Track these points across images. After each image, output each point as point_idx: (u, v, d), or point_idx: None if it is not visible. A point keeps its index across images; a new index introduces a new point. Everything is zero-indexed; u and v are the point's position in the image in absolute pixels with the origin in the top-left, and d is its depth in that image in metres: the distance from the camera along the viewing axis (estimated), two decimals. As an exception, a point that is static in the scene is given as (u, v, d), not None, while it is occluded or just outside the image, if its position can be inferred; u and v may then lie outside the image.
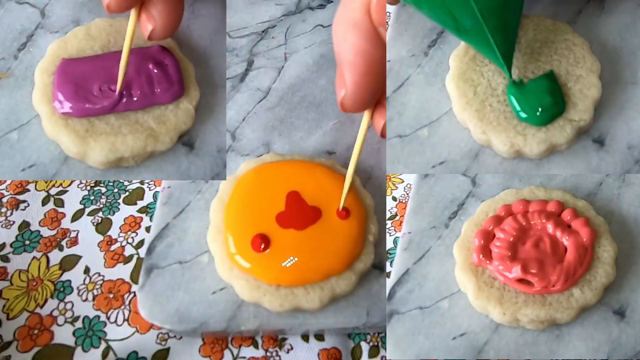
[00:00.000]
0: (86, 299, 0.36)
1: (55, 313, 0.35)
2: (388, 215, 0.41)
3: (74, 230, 0.39)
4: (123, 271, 0.37)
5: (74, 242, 0.38)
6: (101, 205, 0.40)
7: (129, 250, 0.38)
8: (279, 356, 0.35)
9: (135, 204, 0.41)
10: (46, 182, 0.41)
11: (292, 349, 0.35)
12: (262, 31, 0.43)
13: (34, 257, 0.37)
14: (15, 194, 0.40)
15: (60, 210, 0.40)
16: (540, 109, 0.33)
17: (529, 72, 0.34)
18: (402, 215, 0.40)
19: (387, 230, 0.39)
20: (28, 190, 0.41)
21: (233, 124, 0.39)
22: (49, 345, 0.34)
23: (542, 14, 0.36)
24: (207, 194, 0.36)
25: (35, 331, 0.35)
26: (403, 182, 0.43)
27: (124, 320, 0.35)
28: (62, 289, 0.36)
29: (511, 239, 0.33)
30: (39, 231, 0.39)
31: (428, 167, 0.34)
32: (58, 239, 0.38)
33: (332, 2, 0.45)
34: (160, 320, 0.32)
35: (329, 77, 0.41)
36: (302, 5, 0.45)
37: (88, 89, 0.33)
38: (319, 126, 0.39)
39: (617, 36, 0.37)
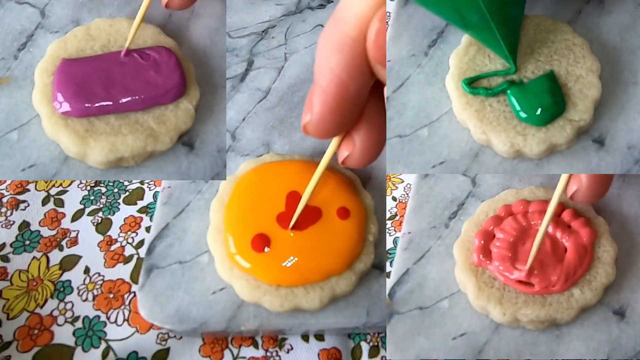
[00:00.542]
0: (86, 299, 0.36)
1: (55, 313, 0.35)
2: (388, 215, 0.41)
3: (74, 230, 0.39)
4: (123, 271, 0.37)
5: (74, 242, 0.38)
6: (101, 205, 0.40)
7: (129, 250, 0.38)
8: (279, 356, 0.35)
9: (135, 204, 0.41)
10: (46, 182, 0.41)
11: (292, 349, 0.35)
12: (262, 31, 0.43)
13: (34, 257, 0.37)
14: (15, 194, 0.40)
15: (60, 210, 0.40)
16: (540, 109, 0.33)
17: (529, 72, 0.34)
18: (402, 215, 0.40)
19: (387, 230, 0.39)
20: (28, 190, 0.41)
21: (233, 124, 0.39)
22: (49, 345, 0.34)
23: (542, 14, 0.36)
24: (207, 194, 0.36)
25: (35, 331, 0.35)
26: (403, 182, 0.43)
27: (124, 320, 0.35)
28: (62, 289, 0.36)
29: (511, 239, 0.33)
30: (39, 231, 0.39)
31: (428, 167, 0.34)
32: (58, 239, 0.38)
33: (332, 2, 0.45)
34: (160, 320, 0.32)
35: (329, 77, 0.41)
36: (302, 5, 0.45)
37: (88, 89, 0.33)
38: (319, 126, 0.39)
39: (617, 36, 0.36)
